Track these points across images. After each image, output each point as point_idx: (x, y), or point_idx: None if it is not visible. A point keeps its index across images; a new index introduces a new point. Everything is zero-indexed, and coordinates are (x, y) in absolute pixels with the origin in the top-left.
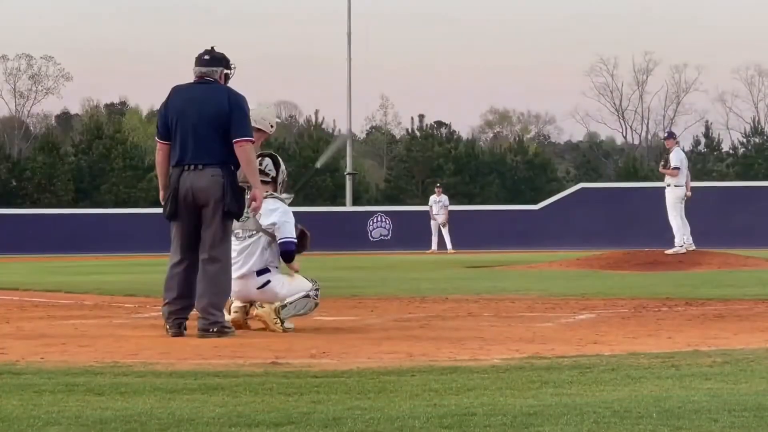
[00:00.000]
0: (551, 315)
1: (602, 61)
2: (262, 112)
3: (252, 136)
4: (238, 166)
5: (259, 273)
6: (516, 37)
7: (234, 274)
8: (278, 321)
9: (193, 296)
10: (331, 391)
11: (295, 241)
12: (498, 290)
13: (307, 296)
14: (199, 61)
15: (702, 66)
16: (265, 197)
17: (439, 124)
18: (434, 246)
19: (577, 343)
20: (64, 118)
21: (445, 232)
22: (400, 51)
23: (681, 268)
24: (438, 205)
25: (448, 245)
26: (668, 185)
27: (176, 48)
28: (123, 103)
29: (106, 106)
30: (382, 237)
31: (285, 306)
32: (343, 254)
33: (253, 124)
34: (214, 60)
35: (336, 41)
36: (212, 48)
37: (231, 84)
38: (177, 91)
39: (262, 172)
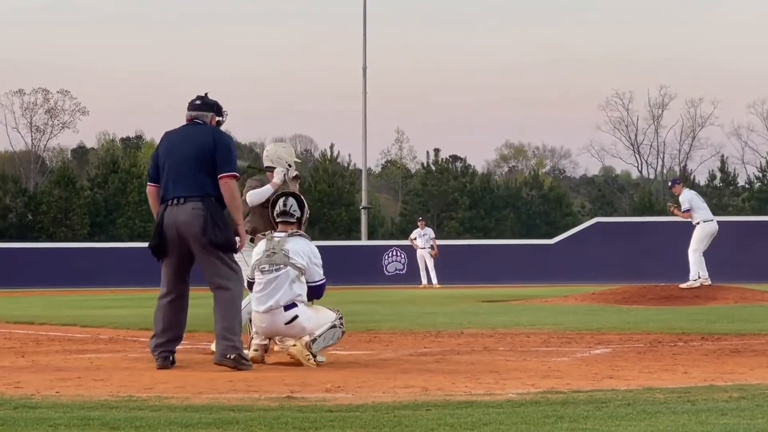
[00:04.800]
0: (567, 349)
1: (618, 96)
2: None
3: (236, 172)
4: (220, 199)
5: (287, 308)
6: (531, 71)
7: (260, 308)
8: (311, 356)
9: (181, 329)
10: (346, 425)
11: (324, 283)
12: (513, 324)
13: (334, 326)
14: (191, 105)
15: (717, 100)
16: (291, 235)
17: (455, 158)
18: (425, 280)
19: (592, 378)
20: (80, 152)
21: (430, 265)
22: (416, 85)
23: (697, 302)
24: (424, 238)
25: (434, 280)
26: (698, 223)
27: (192, 82)
28: (139, 137)
29: (122, 140)
30: (398, 271)
31: (315, 340)
32: (358, 288)
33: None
34: (205, 105)
35: (352, 75)
36: (206, 94)
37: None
38: (167, 135)
39: (286, 212)
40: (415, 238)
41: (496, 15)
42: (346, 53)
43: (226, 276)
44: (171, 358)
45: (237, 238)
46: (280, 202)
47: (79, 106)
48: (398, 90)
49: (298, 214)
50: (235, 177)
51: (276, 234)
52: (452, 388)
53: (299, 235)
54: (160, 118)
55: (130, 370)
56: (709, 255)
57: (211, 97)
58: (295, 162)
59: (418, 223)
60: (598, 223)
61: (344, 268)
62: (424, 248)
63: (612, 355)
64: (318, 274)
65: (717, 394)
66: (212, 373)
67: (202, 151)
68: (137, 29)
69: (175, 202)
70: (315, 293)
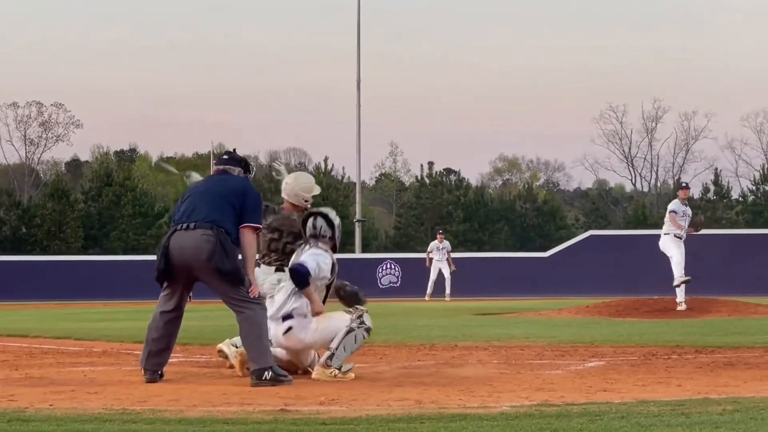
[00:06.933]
0: (560, 362)
1: (611, 109)
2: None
3: (259, 225)
4: (231, 230)
5: (284, 318)
6: (525, 84)
7: (269, 316)
8: (335, 372)
9: (173, 341)
10: None
11: (303, 268)
12: (507, 337)
13: (350, 331)
14: (219, 160)
15: (711, 113)
16: (311, 246)
17: (449, 171)
18: (430, 290)
19: (586, 391)
20: (74, 165)
21: (447, 277)
22: (410, 98)
23: (691, 315)
24: (441, 252)
25: (448, 290)
26: (681, 237)
27: (188, 95)
28: (133, 150)
29: (116, 153)
30: (392, 284)
31: (332, 355)
32: None
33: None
34: (232, 160)
35: (346, 89)
36: (234, 150)
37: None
38: (195, 184)
39: (316, 236)
40: (431, 251)
41: (489, 29)
42: (341, 66)
43: (242, 299)
44: (160, 372)
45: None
46: (309, 223)
47: (73, 119)
48: (392, 103)
49: (329, 233)
50: (257, 230)
51: (306, 246)
52: (446, 401)
53: (317, 246)
54: (154, 132)
55: (124, 383)
56: (703, 268)
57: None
58: (313, 196)
59: (438, 236)
60: (591, 236)
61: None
62: (440, 261)
63: (606, 368)
64: (303, 261)
65: (711, 407)
66: (206, 386)
67: (231, 191)
68: (131, 41)
69: (184, 227)
70: (292, 275)
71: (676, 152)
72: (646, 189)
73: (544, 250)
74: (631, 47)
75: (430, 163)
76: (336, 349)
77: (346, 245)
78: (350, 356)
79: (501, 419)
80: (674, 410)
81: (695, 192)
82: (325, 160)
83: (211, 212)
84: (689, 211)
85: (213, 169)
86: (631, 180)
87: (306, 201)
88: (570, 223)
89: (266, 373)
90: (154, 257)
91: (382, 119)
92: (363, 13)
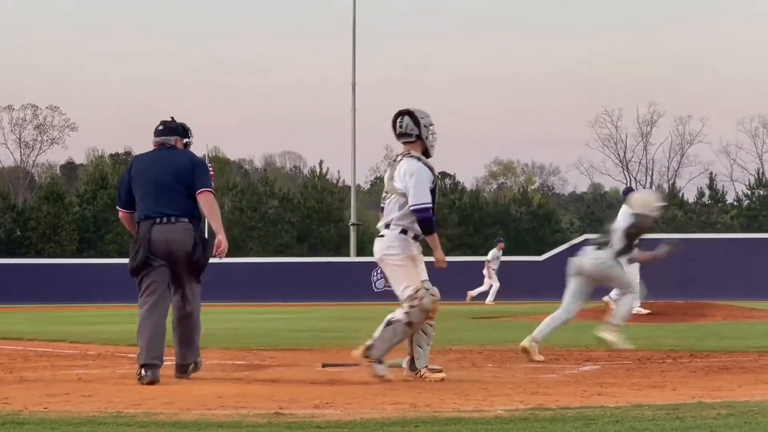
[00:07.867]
0: (555, 366)
1: (607, 113)
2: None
3: (212, 188)
4: (200, 216)
5: (387, 226)
6: (520, 88)
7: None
8: (371, 365)
9: (164, 342)
10: None
11: (428, 206)
12: (502, 341)
13: (389, 323)
14: (155, 132)
15: (706, 118)
16: (401, 159)
17: (443, 174)
18: (483, 288)
19: (581, 395)
20: (69, 168)
21: (497, 286)
22: (405, 101)
23: (685, 319)
24: (497, 261)
25: (492, 297)
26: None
27: (181, 99)
28: (127, 153)
29: (111, 156)
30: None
31: (372, 346)
32: (347, 305)
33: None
34: (167, 129)
35: (341, 91)
36: (171, 118)
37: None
38: (138, 158)
39: (402, 134)
40: (491, 260)
41: (485, 32)
42: (336, 69)
43: (197, 295)
44: (160, 366)
45: (220, 248)
46: (397, 123)
47: (68, 122)
48: (387, 106)
49: (415, 131)
50: (211, 192)
51: (399, 156)
52: (441, 405)
53: (411, 157)
54: (149, 134)
55: (119, 385)
56: (698, 272)
57: (196, 114)
58: (658, 206)
59: (499, 246)
60: (587, 240)
61: (333, 285)
62: (495, 270)
63: (601, 371)
64: (414, 196)
65: (705, 411)
66: (201, 389)
67: (182, 173)
68: (126, 45)
69: (165, 220)
70: (417, 216)
71: (671, 156)
72: None
73: (539, 254)
74: (626, 51)
75: None
76: (376, 339)
77: (342, 249)
78: (390, 349)
79: (496, 423)
80: (669, 414)
81: (690, 196)
82: (320, 163)
83: (180, 204)
84: None
85: (153, 142)
86: (626, 184)
87: (653, 211)
88: (565, 227)
89: (190, 366)
90: None
91: (378, 122)
92: (358, 15)
